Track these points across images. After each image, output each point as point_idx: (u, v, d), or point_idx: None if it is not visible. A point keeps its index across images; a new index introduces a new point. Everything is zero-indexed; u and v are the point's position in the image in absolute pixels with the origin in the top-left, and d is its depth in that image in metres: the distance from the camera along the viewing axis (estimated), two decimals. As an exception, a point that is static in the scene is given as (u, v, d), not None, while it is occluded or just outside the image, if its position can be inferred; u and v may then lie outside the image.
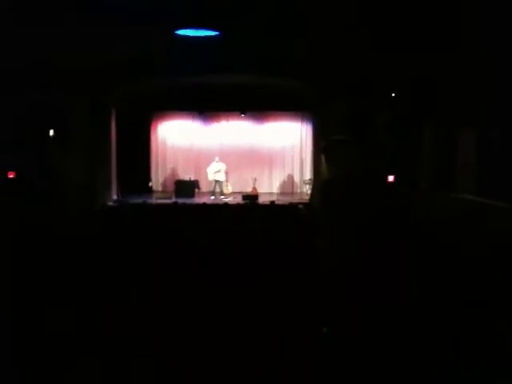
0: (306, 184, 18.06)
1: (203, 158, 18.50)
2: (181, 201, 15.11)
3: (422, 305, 4.61)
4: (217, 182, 17.29)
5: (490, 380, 3.45)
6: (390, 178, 13.47)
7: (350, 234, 7.87)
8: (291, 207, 14.07)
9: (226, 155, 18.12)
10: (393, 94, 13.40)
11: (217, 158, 17.40)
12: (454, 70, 10.42)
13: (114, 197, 15.94)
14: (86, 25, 9.89)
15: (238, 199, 16.55)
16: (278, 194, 17.87)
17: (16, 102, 12.82)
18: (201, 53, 12.29)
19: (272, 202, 15.09)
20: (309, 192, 17.28)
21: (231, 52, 12.37)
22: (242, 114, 18.39)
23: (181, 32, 10.53)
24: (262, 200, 16.24)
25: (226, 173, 17.55)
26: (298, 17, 9.48)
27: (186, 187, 17.45)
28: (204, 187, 18.02)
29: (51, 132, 13.88)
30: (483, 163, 10.15)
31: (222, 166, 17.33)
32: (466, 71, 10.01)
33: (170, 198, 16.53)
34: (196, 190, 17.64)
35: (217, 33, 10.60)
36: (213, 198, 16.98)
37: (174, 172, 19.12)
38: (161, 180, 19.18)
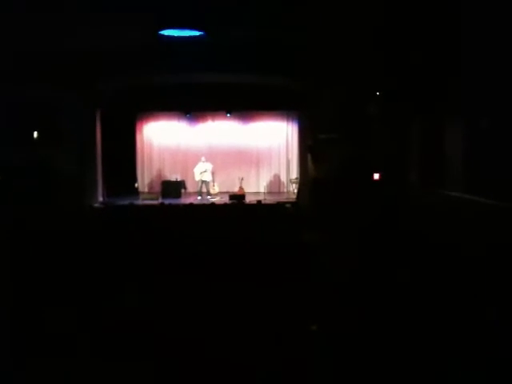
0: (293, 183, 18.11)
1: (189, 159, 18.46)
2: (167, 201, 15.05)
3: (418, 304, 4.63)
4: (203, 182, 17.27)
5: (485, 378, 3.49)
6: (376, 176, 13.51)
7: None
8: (278, 206, 14.09)
9: (212, 155, 18.12)
10: (377, 93, 13.44)
11: (203, 158, 17.37)
12: (440, 62, 10.44)
13: (100, 198, 15.83)
14: (72, 22, 9.83)
15: (225, 199, 16.54)
16: (264, 193, 17.87)
17: (4, 98, 12.71)
18: (186, 51, 12.24)
19: (259, 202, 15.08)
20: (295, 191, 17.31)
21: (217, 50, 12.34)
22: (227, 113, 18.40)
23: (165, 32, 10.50)
24: (248, 200, 16.25)
25: (213, 173, 17.53)
26: (285, 13, 9.49)
27: (173, 188, 17.41)
28: (191, 187, 18.00)
29: (35, 134, 13.79)
30: (471, 157, 10.18)
31: (209, 166, 17.32)
32: (453, 61, 10.03)
33: (156, 198, 16.47)
34: (183, 191, 17.60)
35: (201, 33, 10.57)
36: (200, 198, 16.95)
37: (160, 173, 19.05)
38: (147, 181, 19.10)
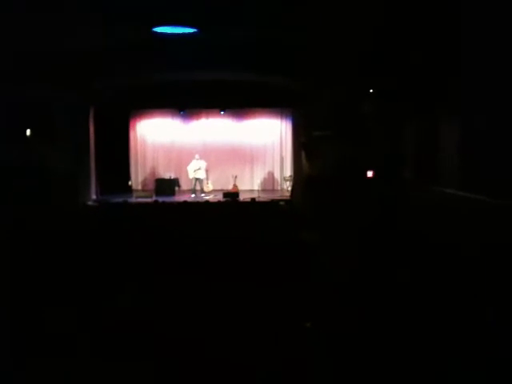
0: (287, 181, 18.13)
1: (183, 156, 18.43)
2: (161, 199, 15.04)
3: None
4: (197, 179, 17.25)
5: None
6: (369, 174, 13.54)
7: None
8: (272, 204, 14.11)
9: (206, 153, 18.09)
10: (371, 90, 13.46)
11: (197, 156, 17.34)
12: (436, 59, 10.47)
13: (94, 196, 15.78)
14: (72, 22, 9.79)
15: (219, 197, 16.54)
16: (258, 191, 17.88)
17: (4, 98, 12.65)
18: (180, 49, 12.21)
19: (253, 199, 15.11)
20: (289, 189, 17.33)
21: (217, 50, 12.31)
22: (221, 111, 18.38)
23: (158, 29, 10.47)
24: (242, 197, 16.25)
25: (207, 170, 17.50)
26: (285, 13, 9.48)
27: (167, 185, 17.39)
28: (184, 185, 17.98)
29: (28, 132, 13.72)
30: (467, 155, 10.21)
31: (203, 164, 17.29)
32: (449, 59, 10.05)
33: (150, 196, 16.44)
34: (176, 189, 17.58)
35: (194, 30, 10.54)
36: (193, 195, 16.92)
37: (153, 170, 19.01)
38: (140, 179, 19.05)
